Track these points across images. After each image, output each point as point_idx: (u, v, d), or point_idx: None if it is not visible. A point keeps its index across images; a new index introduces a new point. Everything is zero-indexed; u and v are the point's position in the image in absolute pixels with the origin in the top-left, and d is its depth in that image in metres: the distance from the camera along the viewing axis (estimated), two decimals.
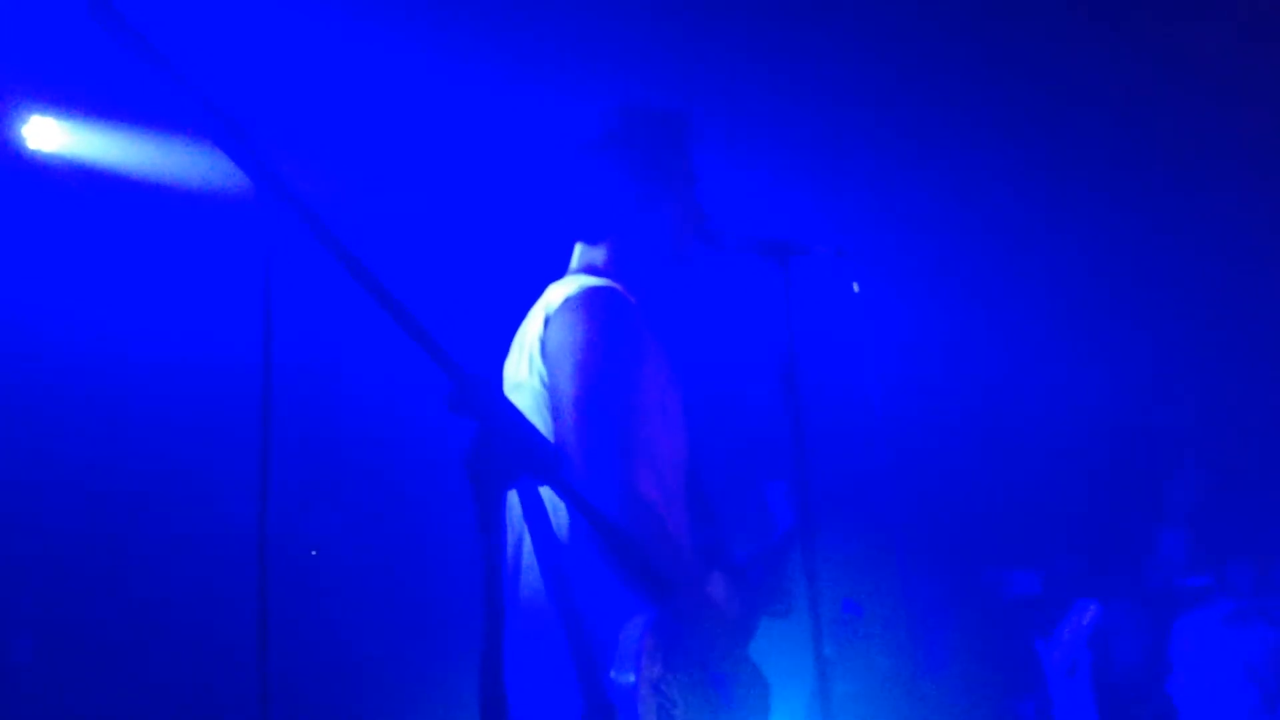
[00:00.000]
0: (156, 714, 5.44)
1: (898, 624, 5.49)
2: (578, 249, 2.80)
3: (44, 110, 5.12)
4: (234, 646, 4.83)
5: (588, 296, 2.54)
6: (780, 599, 2.87)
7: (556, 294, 2.59)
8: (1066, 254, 6.05)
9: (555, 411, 2.47)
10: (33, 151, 5.13)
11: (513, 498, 2.43)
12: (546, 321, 2.55)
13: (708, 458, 2.83)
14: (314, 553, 6.10)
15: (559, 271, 2.77)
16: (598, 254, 2.76)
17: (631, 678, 2.28)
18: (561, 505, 2.36)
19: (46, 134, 5.15)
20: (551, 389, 2.50)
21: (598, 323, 2.50)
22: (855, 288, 2.74)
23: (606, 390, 2.44)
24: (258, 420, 1.64)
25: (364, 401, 5.83)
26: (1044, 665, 4.72)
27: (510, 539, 2.54)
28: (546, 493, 2.37)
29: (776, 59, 5.34)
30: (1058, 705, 4.85)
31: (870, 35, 5.31)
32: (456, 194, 5.60)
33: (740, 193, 4.71)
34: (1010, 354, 6.11)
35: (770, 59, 5.34)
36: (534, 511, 2.47)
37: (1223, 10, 5.18)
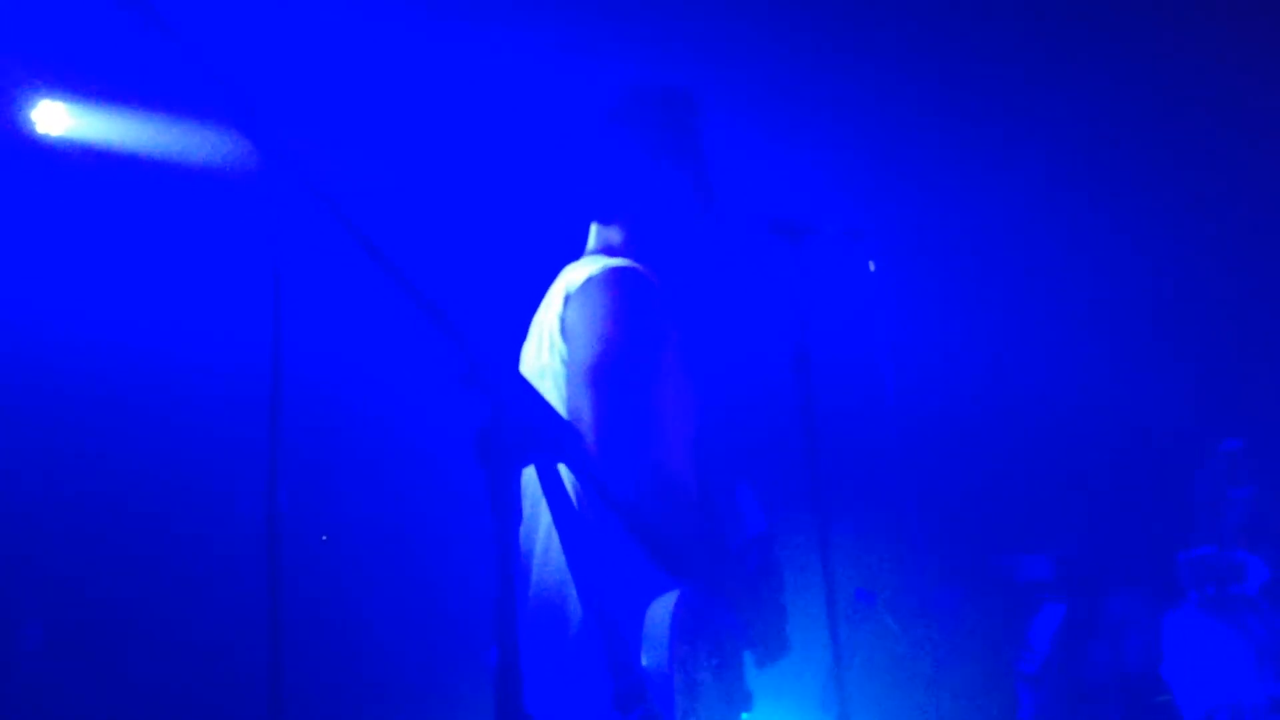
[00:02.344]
0: (167, 703, 5.44)
1: (910, 610, 5.47)
2: (593, 229, 2.76)
3: (52, 94, 5.11)
4: (246, 632, 4.81)
5: (611, 275, 2.48)
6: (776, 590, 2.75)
7: (577, 274, 2.53)
8: (1084, 236, 6.00)
9: (571, 385, 2.41)
10: (41, 135, 5.12)
11: (532, 477, 2.41)
12: (566, 300, 2.49)
13: (715, 445, 2.80)
14: (324, 538, 6.09)
15: (574, 254, 2.74)
16: (614, 233, 2.71)
17: (664, 660, 2.23)
18: (578, 483, 2.33)
19: (55, 118, 5.13)
20: (570, 363, 2.44)
21: (621, 300, 2.44)
22: (871, 267, 2.71)
23: (628, 364, 2.39)
24: (267, 406, 1.63)
25: (375, 385, 5.81)
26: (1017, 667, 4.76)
27: (530, 519, 2.50)
28: (565, 470, 2.34)
29: (789, 36, 5.31)
30: (1024, 706, 4.88)
31: (885, 13, 5.27)
32: (469, 177, 5.58)
33: (753, 171, 4.68)
34: (1024, 337, 6.08)
35: (783, 36, 5.31)
36: (553, 490, 2.44)
37: (1233, 13, 5.17)
